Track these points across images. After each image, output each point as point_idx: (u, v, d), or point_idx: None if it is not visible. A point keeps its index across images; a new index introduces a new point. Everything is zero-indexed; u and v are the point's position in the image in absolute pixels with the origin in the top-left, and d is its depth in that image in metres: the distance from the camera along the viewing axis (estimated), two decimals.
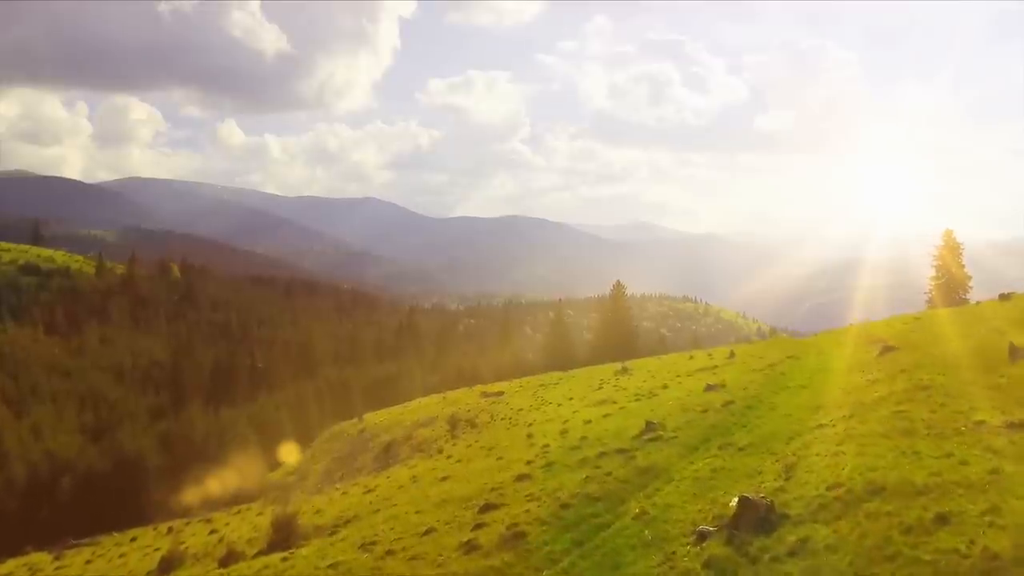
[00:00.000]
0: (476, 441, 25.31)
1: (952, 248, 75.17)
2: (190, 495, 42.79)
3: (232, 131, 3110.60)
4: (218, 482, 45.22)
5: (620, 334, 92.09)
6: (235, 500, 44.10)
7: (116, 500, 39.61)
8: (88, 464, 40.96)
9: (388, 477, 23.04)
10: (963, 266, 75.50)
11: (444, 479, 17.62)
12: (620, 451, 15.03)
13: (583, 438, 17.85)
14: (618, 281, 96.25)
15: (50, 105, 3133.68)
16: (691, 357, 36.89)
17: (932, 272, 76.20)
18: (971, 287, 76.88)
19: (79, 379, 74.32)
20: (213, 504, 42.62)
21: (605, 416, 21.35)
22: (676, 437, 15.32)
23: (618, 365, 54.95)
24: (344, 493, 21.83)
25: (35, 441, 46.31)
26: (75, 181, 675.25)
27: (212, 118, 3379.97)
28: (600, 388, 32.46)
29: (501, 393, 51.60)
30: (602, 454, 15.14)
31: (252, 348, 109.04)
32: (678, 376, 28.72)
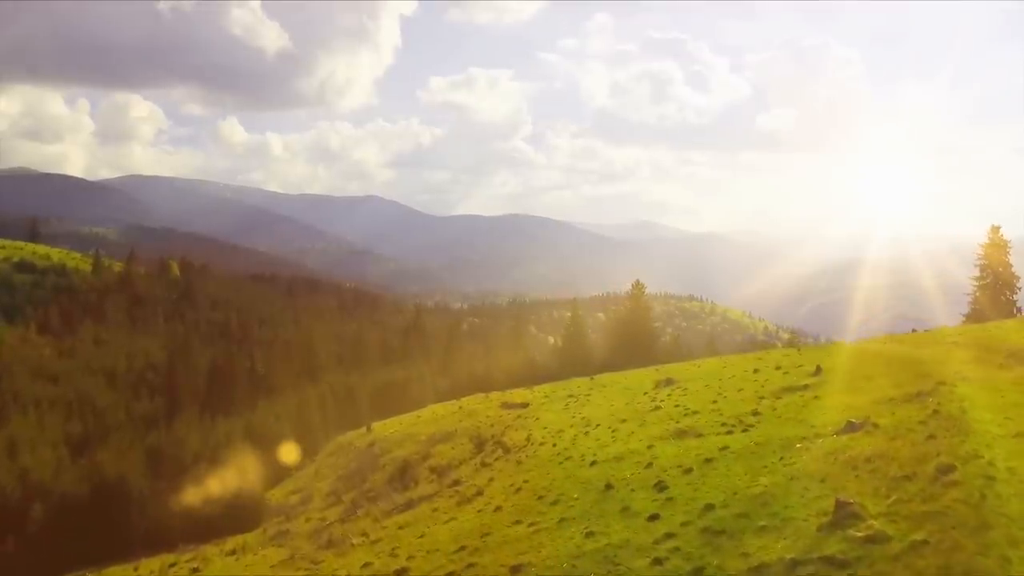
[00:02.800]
0: (525, 481, 20.28)
1: (998, 246, 70.48)
2: (180, 518, 38.11)
3: (234, 129, 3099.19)
4: (212, 502, 40.50)
5: (640, 336, 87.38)
6: (231, 523, 39.31)
7: (95, 529, 34.88)
8: (63, 488, 36.15)
9: (421, 537, 18.07)
10: (1010, 265, 70.95)
11: (516, 571, 12.72)
12: (832, 563, 9.70)
13: (708, 507, 12.87)
14: (637, 281, 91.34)
15: (51, 102, 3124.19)
16: (755, 371, 31.73)
17: (976, 272, 71.69)
18: (1019, 288, 72.33)
19: (67, 384, 69.55)
20: (206, 529, 37.87)
21: (706, 461, 16.34)
22: (926, 542, 9.51)
23: (654, 372, 49.96)
24: (366, 567, 16.96)
25: (9, 458, 41.48)
26: (77, 178, 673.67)
27: (214, 116, 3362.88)
28: (657, 408, 27.45)
29: (525, 404, 46.77)
30: (795, 565, 9.97)
31: (252, 349, 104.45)
32: (761, 397, 23.65)
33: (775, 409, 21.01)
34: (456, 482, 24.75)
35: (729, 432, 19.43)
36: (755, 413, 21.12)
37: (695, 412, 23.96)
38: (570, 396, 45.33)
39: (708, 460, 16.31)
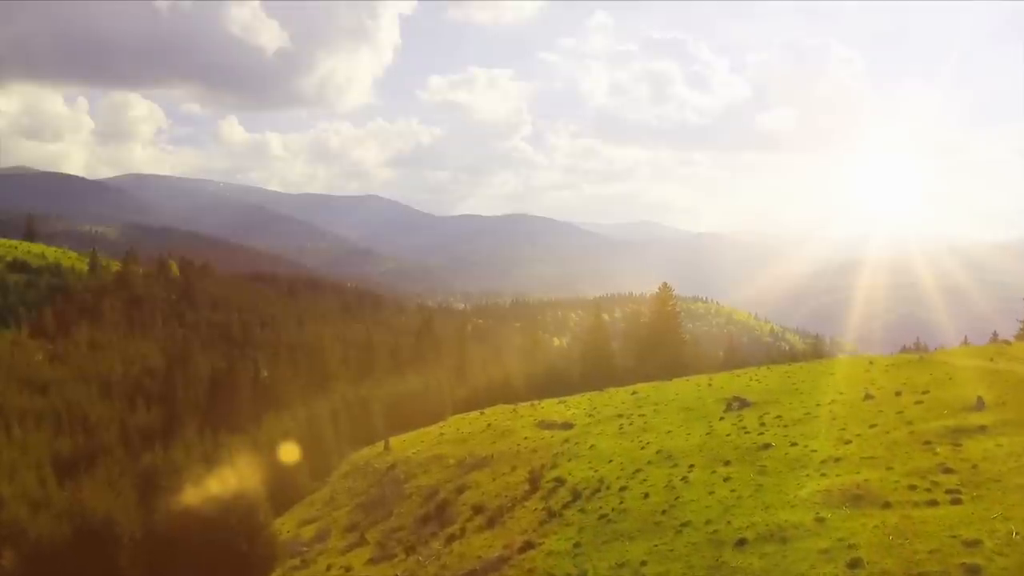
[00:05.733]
0: (642, 563, 14.97)
1: None
2: (177, 562, 33.05)
3: (233, 128, 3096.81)
4: (214, 539, 35.33)
5: (667, 342, 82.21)
6: (237, 566, 34.24)
7: None
8: (40, 530, 30.98)
9: None
10: None
11: None
12: None
13: None
14: (665, 283, 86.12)
15: (51, 101, 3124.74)
16: (867, 396, 26.40)
17: None
18: None
19: (57, 394, 64.25)
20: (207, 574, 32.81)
21: (971, 572, 11.16)
22: None
23: (708, 387, 44.79)
24: None
25: None
26: (77, 177, 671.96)
27: (213, 115, 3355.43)
28: (765, 446, 22.11)
29: (569, 425, 41.52)
30: None
31: (255, 353, 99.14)
32: (925, 441, 18.04)
33: (975, 466, 15.68)
34: (528, 544, 19.52)
35: (932, 503, 14.15)
36: (946, 470, 15.78)
37: (836, 459, 18.66)
38: (619, 416, 40.15)
39: (973, 571, 11.03)
